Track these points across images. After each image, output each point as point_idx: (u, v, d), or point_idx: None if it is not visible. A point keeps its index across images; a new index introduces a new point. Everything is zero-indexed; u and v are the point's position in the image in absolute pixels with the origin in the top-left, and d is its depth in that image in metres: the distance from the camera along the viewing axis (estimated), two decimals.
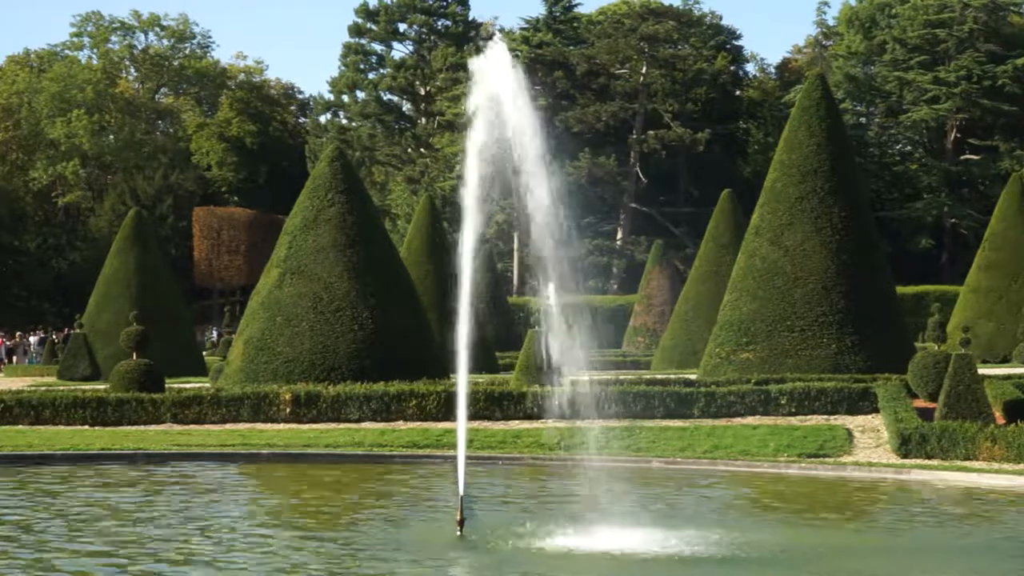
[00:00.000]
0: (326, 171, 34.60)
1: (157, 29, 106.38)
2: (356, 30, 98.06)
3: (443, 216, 53.74)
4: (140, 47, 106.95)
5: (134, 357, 32.64)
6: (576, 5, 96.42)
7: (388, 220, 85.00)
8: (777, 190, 33.70)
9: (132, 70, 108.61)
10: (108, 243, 57.74)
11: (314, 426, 28.09)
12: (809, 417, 27.61)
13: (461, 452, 16.50)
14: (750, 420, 27.51)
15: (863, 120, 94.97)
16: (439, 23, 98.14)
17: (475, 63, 16.01)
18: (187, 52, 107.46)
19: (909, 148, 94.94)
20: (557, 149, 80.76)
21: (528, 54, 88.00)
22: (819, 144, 33.62)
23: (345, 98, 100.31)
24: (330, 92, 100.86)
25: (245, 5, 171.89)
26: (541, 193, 15.56)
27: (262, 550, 15.54)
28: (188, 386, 33.29)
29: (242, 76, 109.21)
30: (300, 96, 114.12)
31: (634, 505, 18.81)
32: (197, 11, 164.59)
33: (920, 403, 27.89)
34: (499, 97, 15.81)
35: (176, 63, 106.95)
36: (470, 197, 16.02)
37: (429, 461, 24.37)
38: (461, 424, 16.93)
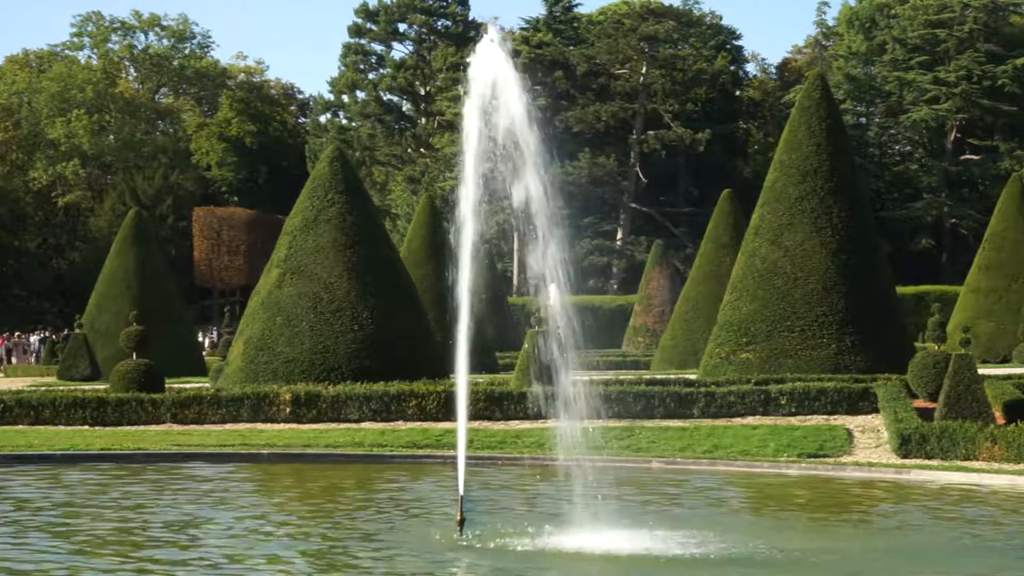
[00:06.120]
0: (326, 171, 34.59)
1: (157, 29, 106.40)
2: (356, 30, 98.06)
3: (443, 216, 53.72)
4: (140, 47, 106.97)
5: (134, 357, 32.63)
6: (576, 5, 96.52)
7: (388, 220, 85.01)
8: (777, 190, 33.69)
9: (132, 70, 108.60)
10: (108, 243, 57.73)
11: (314, 426, 28.09)
12: (809, 417, 27.61)
13: (461, 452, 16.49)
14: (750, 420, 27.51)
15: (863, 120, 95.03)
16: (439, 23, 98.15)
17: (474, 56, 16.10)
18: (187, 52, 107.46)
19: (909, 148, 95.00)
20: (557, 149, 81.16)
21: (528, 54, 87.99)
22: (819, 144, 33.61)
23: (345, 98, 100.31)
24: (330, 92, 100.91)
25: (245, 5, 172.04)
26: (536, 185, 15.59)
27: (261, 551, 15.53)
28: (188, 386, 33.27)
29: (242, 76, 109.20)
30: (300, 96, 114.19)
31: (635, 505, 18.81)
32: (197, 11, 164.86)
33: (920, 403, 27.88)
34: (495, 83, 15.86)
35: (176, 63, 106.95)
36: (469, 185, 15.99)
37: (429, 461, 24.36)
38: (461, 424, 16.92)
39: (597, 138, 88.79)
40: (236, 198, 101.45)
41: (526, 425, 27.45)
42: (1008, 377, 30.73)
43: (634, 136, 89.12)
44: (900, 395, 27.17)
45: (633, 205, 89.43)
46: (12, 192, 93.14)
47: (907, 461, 23.15)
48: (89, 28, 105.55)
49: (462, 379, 16.93)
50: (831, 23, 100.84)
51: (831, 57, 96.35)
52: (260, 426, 28.31)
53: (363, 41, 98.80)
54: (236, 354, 33.19)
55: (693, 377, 32.61)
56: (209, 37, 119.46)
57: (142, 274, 48.68)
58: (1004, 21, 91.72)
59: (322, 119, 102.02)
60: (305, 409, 28.86)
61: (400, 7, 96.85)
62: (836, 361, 31.74)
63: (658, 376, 34.97)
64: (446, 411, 27.97)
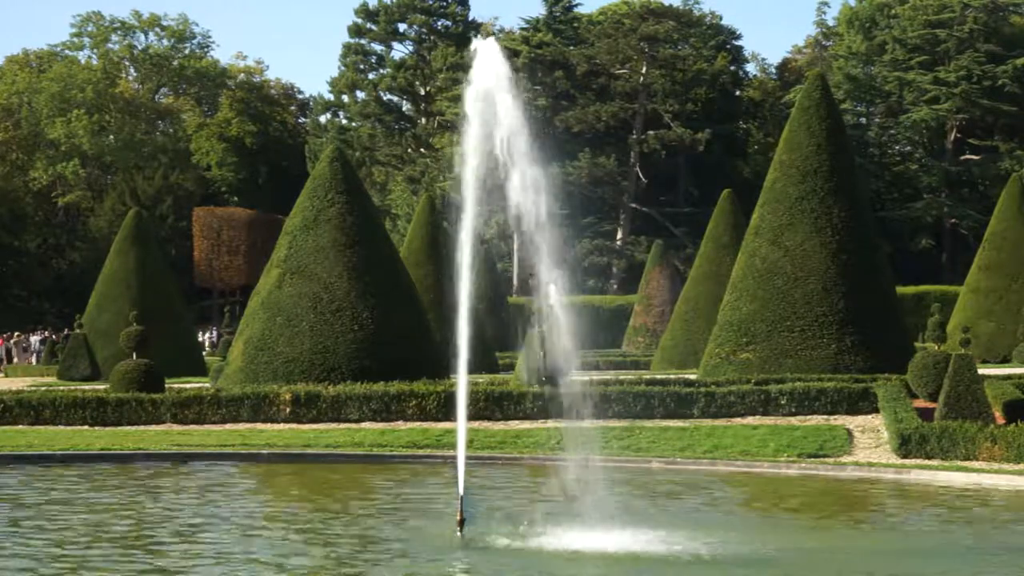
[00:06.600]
0: (326, 171, 34.58)
1: (157, 29, 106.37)
2: (356, 30, 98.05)
3: (443, 216, 53.74)
4: (140, 47, 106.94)
5: (134, 357, 32.62)
6: (576, 5, 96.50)
7: (388, 220, 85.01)
8: (777, 190, 33.67)
9: (132, 70, 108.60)
10: (108, 243, 57.72)
11: (314, 426, 28.09)
12: (809, 417, 27.60)
13: (461, 452, 16.49)
14: (750, 420, 27.50)
15: (863, 120, 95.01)
16: (439, 23, 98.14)
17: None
18: (187, 52, 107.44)
19: (909, 148, 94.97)
20: (556, 149, 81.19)
21: (528, 54, 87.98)
22: (819, 144, 33.60)
23: (345, 98, 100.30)
24: (330, 92, 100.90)
25: (245, 5, 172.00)
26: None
27: (262, 551, 15.53)
28: (188, 386, 33.27)
29: (242, 76, 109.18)
30: (300, 96, 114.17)
31: (635, 506, 18.82)
32: (197, 11, 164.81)
33: (920, 403, 27.88)
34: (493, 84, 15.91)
35: (176, 63, 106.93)
36: (469, 175, 16.00)
37: (429, 461, 24.37)
38: (461, 424, 16.92)
39: (597, 138, 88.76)
40: (236, 198, 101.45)
41: (526, 425, 27.45)
42: (1008, 377, 30.72)
43: (634, 136, 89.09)
44: (900, 395, 27.16)
45: (633, 205, 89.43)
46: (12, 192, 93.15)
47: (907, 461, 23.15)
48: (89, 28, 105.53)
49: (462, 379, 16.93)
50: (831, 23, 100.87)
51: (831, 57, 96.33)
52: (260, 426, 28.31)
53: (363, 41, 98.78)
54: (236, 354, 33.19)
55: (693, 377, 32.60)
56: (209, 37, 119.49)
57: (142, 274, 48.64)
58: (1004, 21, 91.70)
59: (322, 119, 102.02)
60: (305, 409, 28.85)
61: (400, 7, 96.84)
62: (836, 361, 31.72)
63: (658, 376, 34.97)
64: (446, 411, 27.96)
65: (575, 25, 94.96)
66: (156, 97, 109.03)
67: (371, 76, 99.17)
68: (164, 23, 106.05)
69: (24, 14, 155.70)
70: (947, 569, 14.98)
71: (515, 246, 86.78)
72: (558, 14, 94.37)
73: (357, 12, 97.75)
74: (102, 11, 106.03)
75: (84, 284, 63.85)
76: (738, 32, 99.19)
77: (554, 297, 16.46)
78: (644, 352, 57.85)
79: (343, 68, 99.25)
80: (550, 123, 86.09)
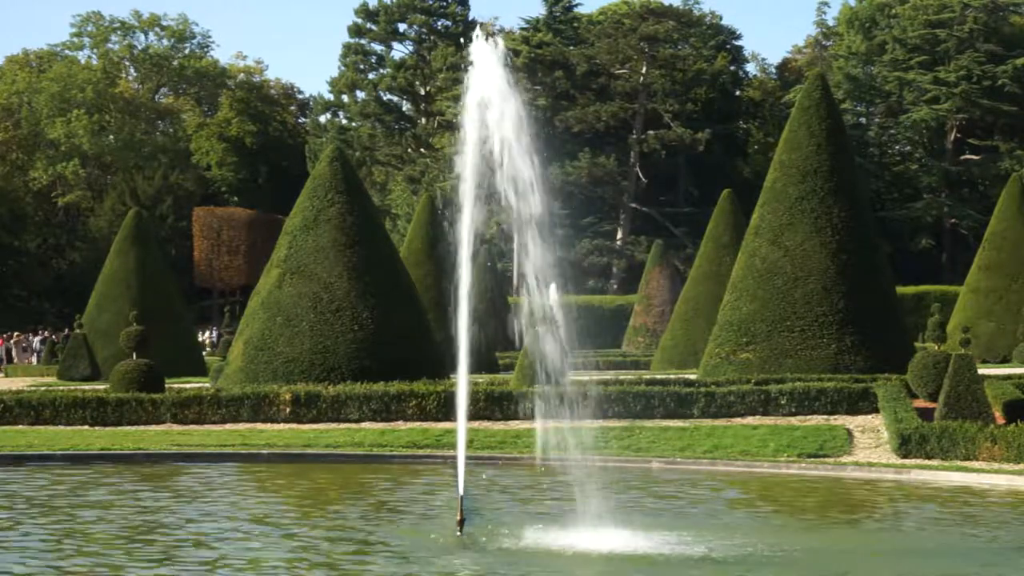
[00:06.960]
0: (326, 171, 34.58)
1: (157, 29, 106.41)
2: (356, 30, 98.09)
3: (443, 216, 53.74)
4: (140, 47, 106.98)
5: (134, 357, 32.61)
6: (576, 5, 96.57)
7: (388, 220, 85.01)
8: (777, 190, 33.68)
9: (132, 70, 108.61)
10: (108, 243, 57.72)
11: (314, 426, 28.09)
12: (809, 417, 27.61)
13: (461, 452, 16.49)
14: (750, 420, 27.50)
15: (863, 120, 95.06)
16: (439, 23, 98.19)
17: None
18: (187, 52, 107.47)
19: (909, 148, 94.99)
20: (556, 149, 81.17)
21: (528, 54, 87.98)
22: (819, 144, 33.60)
23: (345, 98, 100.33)
24: (330, 92, 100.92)
25: (245, 5, 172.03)
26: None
27: (262, 551, 15.53)
28: (188, 386, 33.27)
29: (242, 76, 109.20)
30: (300, 96, 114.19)
31: (635, 506, 18.82)
32: (197, 11, 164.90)
33: (920, 403, 27.88)
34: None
35: (176, 63, 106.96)
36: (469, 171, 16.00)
37: (429, 461, 24.37)
38: (461, 424, 16.92)
39: (597, 138, 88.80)
40: (236, 198, 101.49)
41: (526, 425, 27.43)
42: (1008, 377, 30.71)
43: (634, 136, 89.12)
44: (900, 395, 27.16)
45: (633, 205, 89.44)
46: (12, 192, 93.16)
47: (907, 461, 23.15)
48: (89, 28, 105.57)
49: (462, 379, 16.93)
50: (831, 23, 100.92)
51: (831, 57, 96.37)
52: (260, 426, 28.31)
53: (363, 41, 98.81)
54: (236, 354, 33.19)
55: (693, 377, 32.59)
56: (209, 37, 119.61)
57: (142, 274, 48.63)
58: (1004, 21, 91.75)
59: (322, 119, 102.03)
60: (305, 409, 28.85)
61: (400, 7, 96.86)
62: (836, 361, 31.71)
63: (658, 376, 34.96)
64: (446, 411, 27.96)
65: (575, 25, 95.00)
66: (156, 97, 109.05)
67: (371, 76, 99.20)
68: (164, 23, 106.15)
69: (24, 14, 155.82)
70: (947, 569, 14.98)
71: (515, 246, 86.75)
72: (558, 14, 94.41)
73: (357, 12, 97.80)
74: (102, 11, 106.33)
75: (84, 284, 63.85)
76: (738, 32, 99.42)
77: (553, 297, 16.47)
78: (644, 352, 57.86)
79: (343, 68, 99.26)
80: (550, 123, 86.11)
